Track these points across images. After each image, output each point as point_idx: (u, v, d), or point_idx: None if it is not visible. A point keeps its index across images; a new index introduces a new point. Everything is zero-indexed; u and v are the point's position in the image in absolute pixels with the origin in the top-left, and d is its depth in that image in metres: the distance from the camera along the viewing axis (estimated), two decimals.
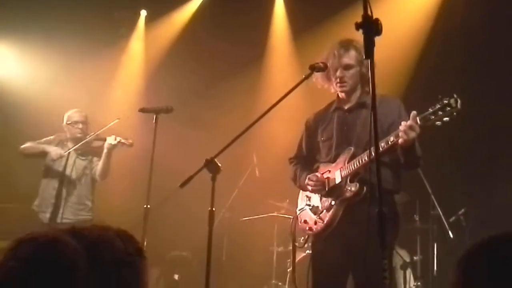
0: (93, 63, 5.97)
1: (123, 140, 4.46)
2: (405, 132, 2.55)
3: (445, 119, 2.47)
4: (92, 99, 5.77)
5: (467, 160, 5.23)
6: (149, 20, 6.68)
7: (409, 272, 4.86)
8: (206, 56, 6.16)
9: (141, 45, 6.66)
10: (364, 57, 2.40)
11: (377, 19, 1.96)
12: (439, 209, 4.58)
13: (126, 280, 1.05)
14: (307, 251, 4.46)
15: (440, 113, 2.46)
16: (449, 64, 5.27)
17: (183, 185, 2.70)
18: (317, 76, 3.00)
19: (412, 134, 2.55)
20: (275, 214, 5.39)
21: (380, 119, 2.42)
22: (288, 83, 2.90)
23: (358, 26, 1.98)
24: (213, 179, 2.72)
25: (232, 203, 5.78)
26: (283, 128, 5.80)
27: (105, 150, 4.53)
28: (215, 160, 2.71)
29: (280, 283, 5.29)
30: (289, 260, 4.93)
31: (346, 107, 3.04)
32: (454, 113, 2.43)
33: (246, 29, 6.11)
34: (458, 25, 5.29)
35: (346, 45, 2.96)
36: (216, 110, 6.00)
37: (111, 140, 4.46)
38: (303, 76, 2.86)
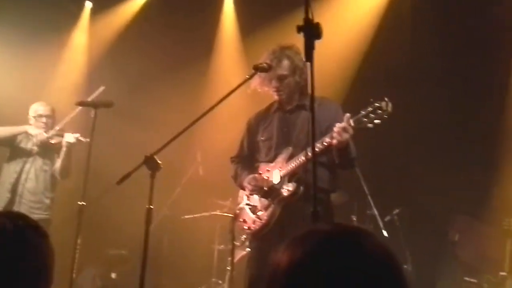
0: (34, 55, 5.72)
1: (81, 138, 4.27)
2: (338, 133, 2.64)
3: (376, 121, 2.56)
4: (31, 90, 5.52)
5: (400, 162, 5.46)
6: (94, 13, 6.48)
7: None
8: (151, 51, 6.05)
9: (84, 37, 6.45)
10: (300, 63, 2.47)
11: (317, 23, 2.01)
12: (374, 209, 4.75)
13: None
14: (248, 249, 4.49)
15: (372, 115, 2.56)
16: (386, 68, 5.47)
17: (120, 182, 2.64)
18: (256, 82, 3.06)
19: (345, 136, 2.63)
20: (217, 212, 5.38)
21: (319, 120, 2.48)
22: (234, 82, 2.91)
23: (299, 29, 2.03)
24: (152, 176, 2.68)
25: (174, 201, 5.72)
26: (227, 127, 5.80)
27: (64, 149, 4.35)
28: (155, 157, 2.67)
29: (220, 281, 5.29)
30: (230, 258, 4.94)
31: (287, 109, 3.10)
32: (385, 116, 2.55)
33: (193, 26, 6.05)
34: (399, 31, 5.50)
35: (279, 55, 3.02)
36: (158, 107, 5.90)
37: (69, 138, 4.28)
38: (247, 76, 2.89)
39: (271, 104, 3.21)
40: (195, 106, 4.90)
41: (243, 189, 3.16)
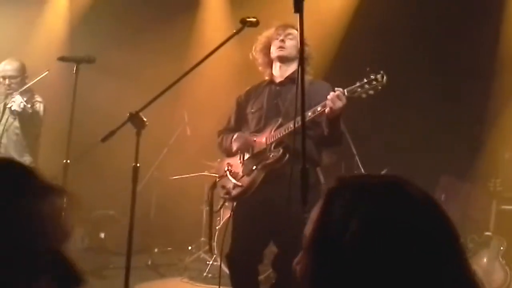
0: (14, 11, 5.52)
1: (28, 108, 4.08)
2: (332, 100, 2.61)
3: (371, 92, 2.59)
4: (12, 47, 5.36)
5: (388, 122, 5.47)
6: None
7: None
8: (135, 5, 5.87)
9: None
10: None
11: None
12: (362, 170, 4.77)
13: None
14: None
15: (367, 86, 2.58)
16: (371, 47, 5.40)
17: (104, 139, 2.59)
18: (259, 55, 3.14)
19: (339, 104, 2.61)
20: (205, 173, 5.37)
21: (309, 95, 2.50)
22: (221, 38, 2.82)
23: None
24: (138, 134, 2.64)
25: (162, 162, 5.69)
26: (215, 87, 5.73)
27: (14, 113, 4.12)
28: (140, 114, 2.62)
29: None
30: (218, 218, 4.96)
31: (277, 81, 3.11)
32: (380, 87, 2.56)
33: None
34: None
35: (290, 25, 3.10)
36: (144, 63, 5.77)
37: (14, 105, 4.05)
38: (234, 31, 2.80)
39: (262, 81, 3.23)
40: (182, 63, 4.80)
41: (228, 153, 3.16)
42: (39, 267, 0.85)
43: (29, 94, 4.30)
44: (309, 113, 2.72)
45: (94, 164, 5.37)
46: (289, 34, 3.05)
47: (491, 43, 5.21)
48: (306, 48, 2.89)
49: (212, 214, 3.21)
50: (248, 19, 2.77)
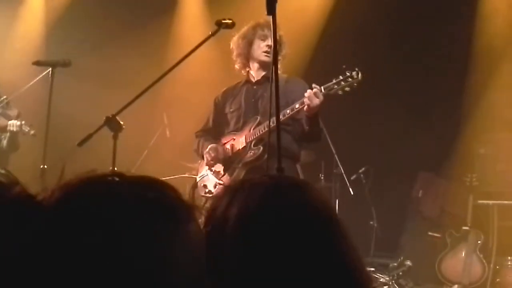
0: None
1: (24, 128, 4.09)
2: (309, 98, 2.65)
3: (347, 89, 2.64)
4: None
5: (365, 121, 5.53)
6: None
7: None
8: (111, 9, 5.82)
9: None
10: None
11: None
12: (341, 168, 4.81)
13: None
14: None
15: (343, 83, 2.64)
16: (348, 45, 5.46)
17: (81, 143, 2.58)
18: (238, 52, 3.09)
19: (316, 101, 2.66)
20: (186, 175, 5.34)
21: (285, 93, 2.58)
22: (199, 38, 2.82)
23: None
24: (115, 137, 2.64)
25: (142, 164, 5.65)
26: (193, 88, 5.71)
27: (8, 134, 4.15)
28: (117, 117, 2.61)
29: None
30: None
31: (254, 81, 3.13)
32: (355, 84, 2.60)
33: None
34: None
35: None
36: (120, 66, 5.73)
37: (13, 126, 4.08)
38: (210, 33, 2.80)
39: (239, 82, 3.24)
40: (159, 65, 4.78)
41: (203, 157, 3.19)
42: None
43: (4, 106, 4.26)
44: (288, 111, 2.75)
45: (73, 168, 5.30)
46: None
47: (465, 40, 5.31)
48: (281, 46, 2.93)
49: None
50: (223, 21, 2.77)
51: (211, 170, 3.09)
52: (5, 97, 4.24)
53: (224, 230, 0.92)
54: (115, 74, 5.75)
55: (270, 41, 2.94)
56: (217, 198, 0.99)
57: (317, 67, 4.96)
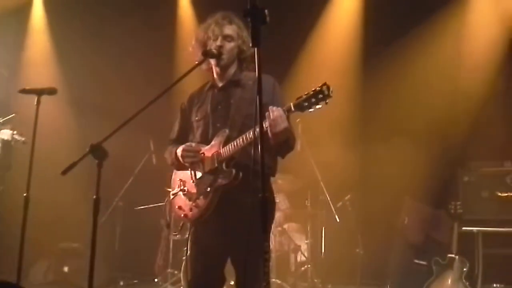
0: None
1: (16, 136, 4.16)
2: (274, 123, 2.48)
3: (318, 106, 2.44)
4: None
5: (351, 149, 5.57)
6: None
7: (299, 255, 5.08)
8: (100, 40, 5.88)
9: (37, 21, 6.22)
10: (246, 34, 2.41)
11: (263, 8, 1.99)
12: (327, 195, 4.82)
13: None
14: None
15: (313, 100, 2.44)
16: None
17: (65, 172, 2.54)
18: (195, 49, 2.89)
19: (280, 127, 2.49)
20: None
21: (253, 98, 2.20)
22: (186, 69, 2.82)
23: (245, 13, 2.00)
24: (99, 165, 2.58)
25: (127, 192, 5.61)
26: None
27: (0, 145, 4.25)
28: (102, 145, 2.59)
29: (176, 272, 5.25)
30: (185, 248, 4.88)
31: (219, 85, 2.92)
32: (326, 101, 2.42)
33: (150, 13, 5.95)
34: None
35: (229, 17, 2.86)
36: (107, 94, 5.74)
37: (4, 135, 4.19)
38: (196, 62, 2.82)
39: (205, 84, 3.02)
40: (145, 94, 4.80)
41: (177, 166, 2.94)
42: None
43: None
44: (258, 129, 2.24)
45: (58, 195, 5.25)
46: (227, 36, 2.82)
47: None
48: (245, 48, 2.82)
49: (170, 232, 3.08)
50: (210, 51, 2.80)
51: (184, 191, 2.93)
52: (13, 114, 4.43)
53: None
54: (100, 102, 5.77)
55: (220, 40, 2.80)
56: None
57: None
